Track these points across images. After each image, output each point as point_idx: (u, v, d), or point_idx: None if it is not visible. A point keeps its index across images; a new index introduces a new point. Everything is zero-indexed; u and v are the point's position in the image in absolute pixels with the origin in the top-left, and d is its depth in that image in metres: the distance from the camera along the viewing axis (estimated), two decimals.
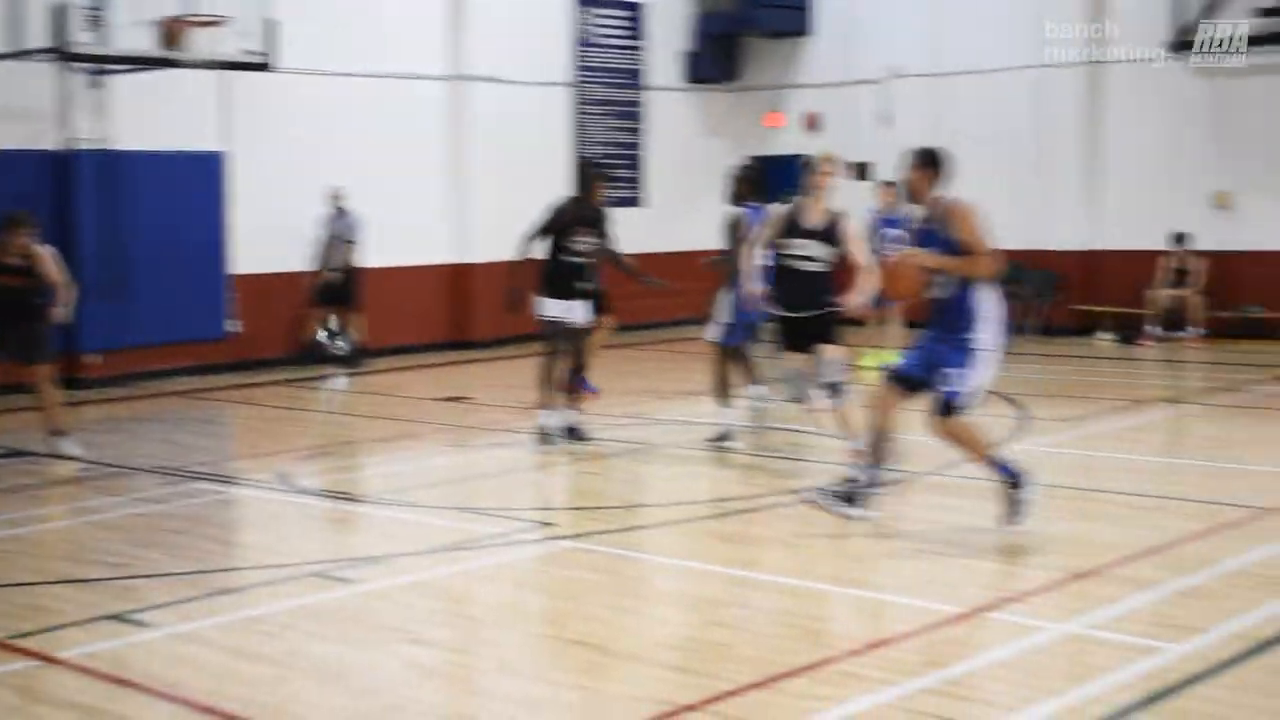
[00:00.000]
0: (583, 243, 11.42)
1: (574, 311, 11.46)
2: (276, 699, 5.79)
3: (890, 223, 16.18)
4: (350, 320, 17.60)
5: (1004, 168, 19.59)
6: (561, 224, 11.36)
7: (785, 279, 9.85)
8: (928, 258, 8.15)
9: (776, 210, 10.24)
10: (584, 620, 6.89)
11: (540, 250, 11.44)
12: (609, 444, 11.56)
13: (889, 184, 16.43)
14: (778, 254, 9.87)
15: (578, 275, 11.44)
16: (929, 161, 8.47)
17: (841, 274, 9.90)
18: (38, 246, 11.62)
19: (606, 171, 11.83)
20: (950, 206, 8.34)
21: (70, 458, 11.29)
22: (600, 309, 12.29)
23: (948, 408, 8.19)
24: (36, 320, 11.53)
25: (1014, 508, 8.28)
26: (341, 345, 18.08)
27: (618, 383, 14.66)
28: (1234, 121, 18.70)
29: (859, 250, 9.86)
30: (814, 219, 9.85)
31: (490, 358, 18.17)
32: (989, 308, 8.22)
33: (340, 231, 17.50)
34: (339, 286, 17.52)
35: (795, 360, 9.92)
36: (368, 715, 5.60)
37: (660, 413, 13.18)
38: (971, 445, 8.37)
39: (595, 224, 11.54)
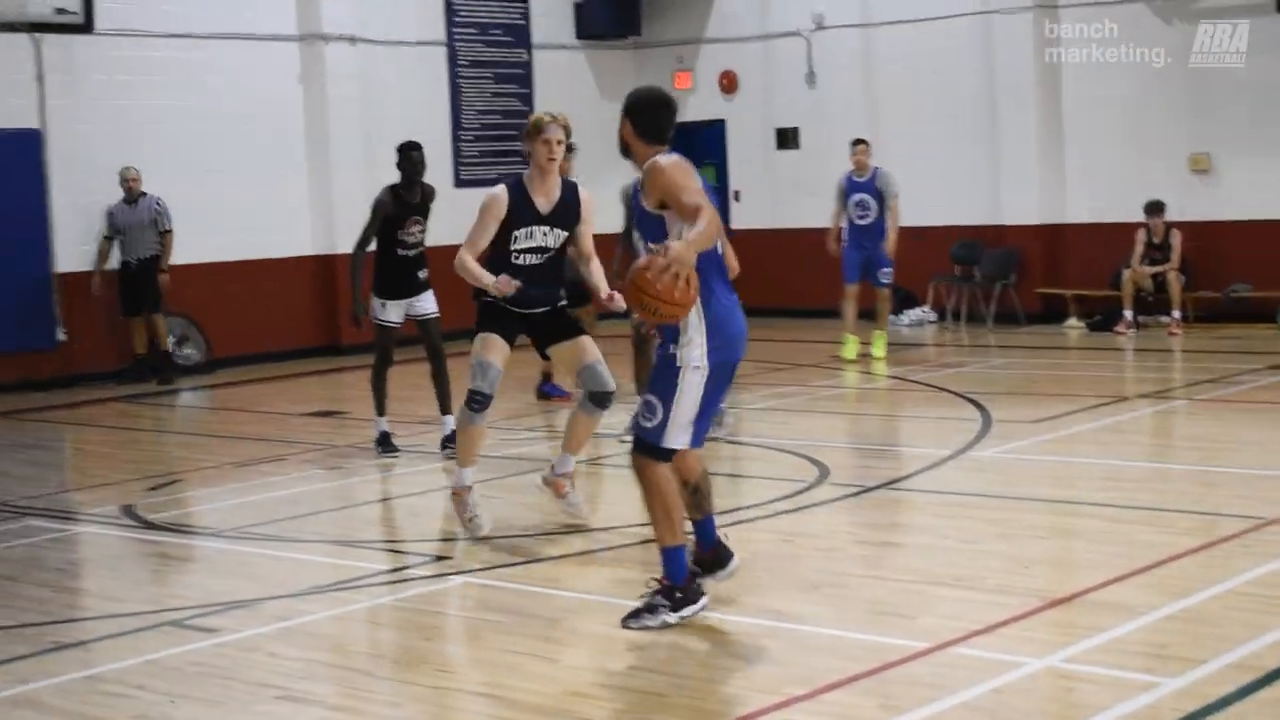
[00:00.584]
0: (414, 234, 11.96)
1: (424, 303, 12.03)
2: None
3: (860, 186, 16.54)
4: (157, 326, 17.49)
5: (948, 132, 19.84)
6: (388, 219, 11.84)
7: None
8: (670, 252, 6.50)
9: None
10: (487, 668, 6.90)
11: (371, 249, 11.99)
12: (507, 461, 11.58)
13: (860, 142, 16.87)
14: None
15: (415, 269, 11.99)
16: (632, 109, 7.22)
17: None
18: None
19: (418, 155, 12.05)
20: (648, 168, 7.05)
21: None
22: (577, 300, 12.06)
23: (642, 447, 7.15)
24: None
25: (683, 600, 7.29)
26: (189, 354, 18.13)
27: (518, 389, 14.66)
28: (1209, 71, 18.70)
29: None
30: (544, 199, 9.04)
31: (364, 364, 17.68)
32: (714, 309, 7.02)
33: (140, 220, 17.35)
34: (145, 284, 17.39)
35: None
36: None
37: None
38: (659, 506, 7.14)
39: (424, 211, 12.05)
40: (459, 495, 9.13)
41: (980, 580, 7.88)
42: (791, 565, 8.39)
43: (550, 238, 9.07)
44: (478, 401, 8.93)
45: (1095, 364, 16.48)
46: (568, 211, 9.09)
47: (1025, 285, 19.85)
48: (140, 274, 17.32)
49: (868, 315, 17.17)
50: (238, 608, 7.95)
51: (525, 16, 21.63)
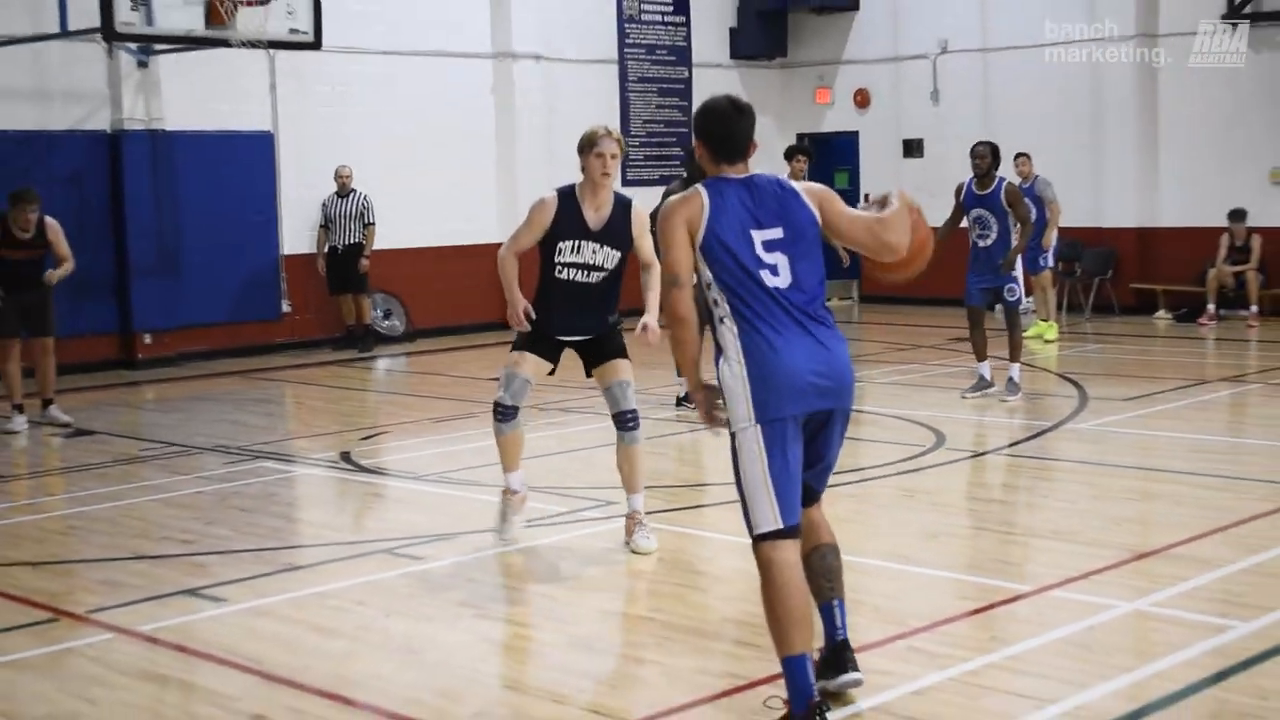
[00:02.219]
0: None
1: None
2: (351, 672, 5.98)
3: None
4: (361, 304, 17.69)
5: (1057, 145, 19.65)
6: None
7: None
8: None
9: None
10: (653, 596, 7.07)
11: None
12: (671, 423, 11.75)
13: (1024, 155, 16.98)
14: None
15: None
16: (704, 130, 5.41)
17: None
18: (46, 219, 12.23)
19: None
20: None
21: (62, 424, 12.18)
22: None
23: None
24: (47, 293, 12.26)
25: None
26: (394, 325, 18.44)
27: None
28: None
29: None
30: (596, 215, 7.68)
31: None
32: (753, 354, 5.14)
33: (348, 212, 17.59)
34: (351, 267, 17.60)
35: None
36: (442, 690, 5.80)
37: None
38: (765, 604, 5.09)
39: None
40: (505, 495, 8.06)
41: (1076, 534, 7.91)
42: (911, 517, 8.48)
43: (600, 256, 7.62)
44: (501, 412, 7.77)
45: (1181, 351, 16.29)
46: (618, 230, 7.63)
47: (1120, 280, 19.67)
48: (346, 258, 17.59)
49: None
50: (440, 540, 8.19)
51: (687, 39, 21.68)
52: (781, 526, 5.06)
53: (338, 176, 17.60)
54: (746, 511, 5.14)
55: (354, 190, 17.63)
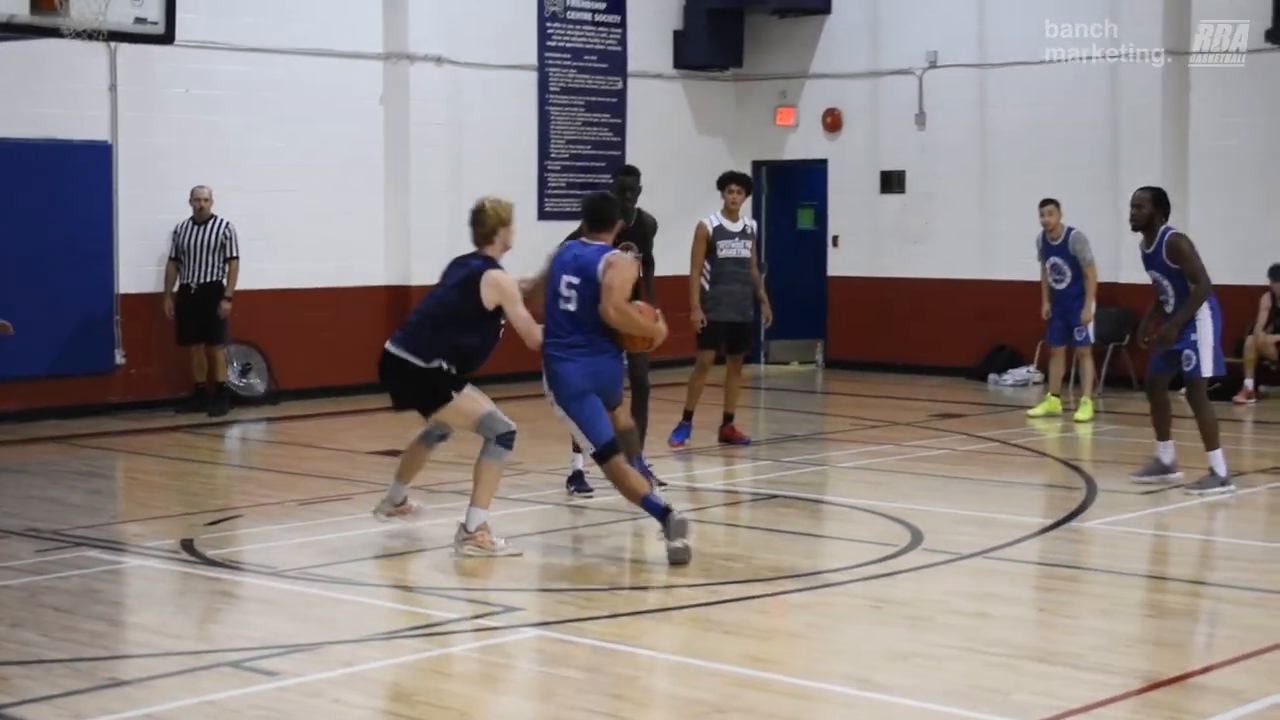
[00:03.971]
0: None
1: None
2: None
3: (1055, 249, 16.85)
4: (215, 357, 17.65)
5: (1065, 181, 19.69)
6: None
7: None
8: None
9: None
10: None
11: None
12: (586, 510, 11.79)
13: (1048, 203, 17.16)
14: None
15: None
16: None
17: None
18: None
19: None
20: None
21: None
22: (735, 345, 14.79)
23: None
24: None
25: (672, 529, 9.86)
26: (253, 385, 18.44)
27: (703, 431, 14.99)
28: None
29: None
30: None
31: None
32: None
33: (206, 243, 17.52)
34: (207, 312, 17.52)
35: None
36: None
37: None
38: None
39: (638, 239, 12.96)
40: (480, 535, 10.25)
41: (1078, 657, 7.91)
42: (878, 632, 8.47)
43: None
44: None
45: None
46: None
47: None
48: (200, 300, 17.48)
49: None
50: (300, 651, 8.11)
51: (622, 43, 21.80)
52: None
53: (194, 199, 17.53)
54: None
55: (214, 217, 17.58)
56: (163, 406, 17.64)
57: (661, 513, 9.91)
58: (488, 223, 10.30)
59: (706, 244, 14.72)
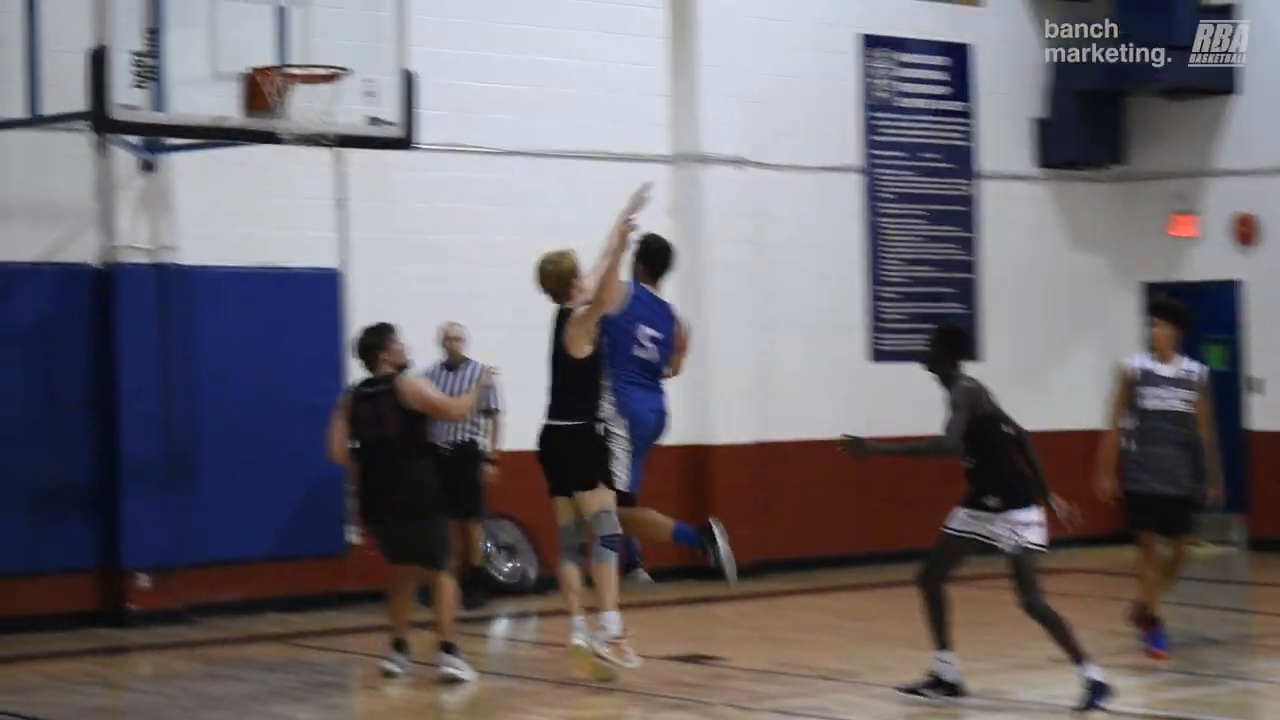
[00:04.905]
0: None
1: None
2: None
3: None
4: (472, 536, 17.22)
5: None
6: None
7: None
8: None
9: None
10: None
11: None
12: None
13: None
14: None
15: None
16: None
17: None
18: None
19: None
20: None
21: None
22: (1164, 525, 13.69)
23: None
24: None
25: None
26: (516, 569, 18.08)
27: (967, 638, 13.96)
28: None
29: None
30: None
31: (743, 594, 17.29)
32: None
33: (460, 393, 16.69)
34: (459, 479, 16.93)
35: None
36: None
37: (1022, 690, 12.58)
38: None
39: None
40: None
41: None
42: None
43: None
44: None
45: None
46: None
47: None
48: (455, 463, 16.84)
49: None
50: None
51: (969, 136, 21.22)
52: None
53: (445, 340, 17.05)
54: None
55: (467, 360, 17.13)
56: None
57: (697, 536, 13.01)
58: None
59: (1128, 391, 13.84)
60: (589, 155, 18.52)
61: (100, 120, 14.02)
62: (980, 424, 11.92)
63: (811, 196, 20.03)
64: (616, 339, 12.85)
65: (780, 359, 19.18)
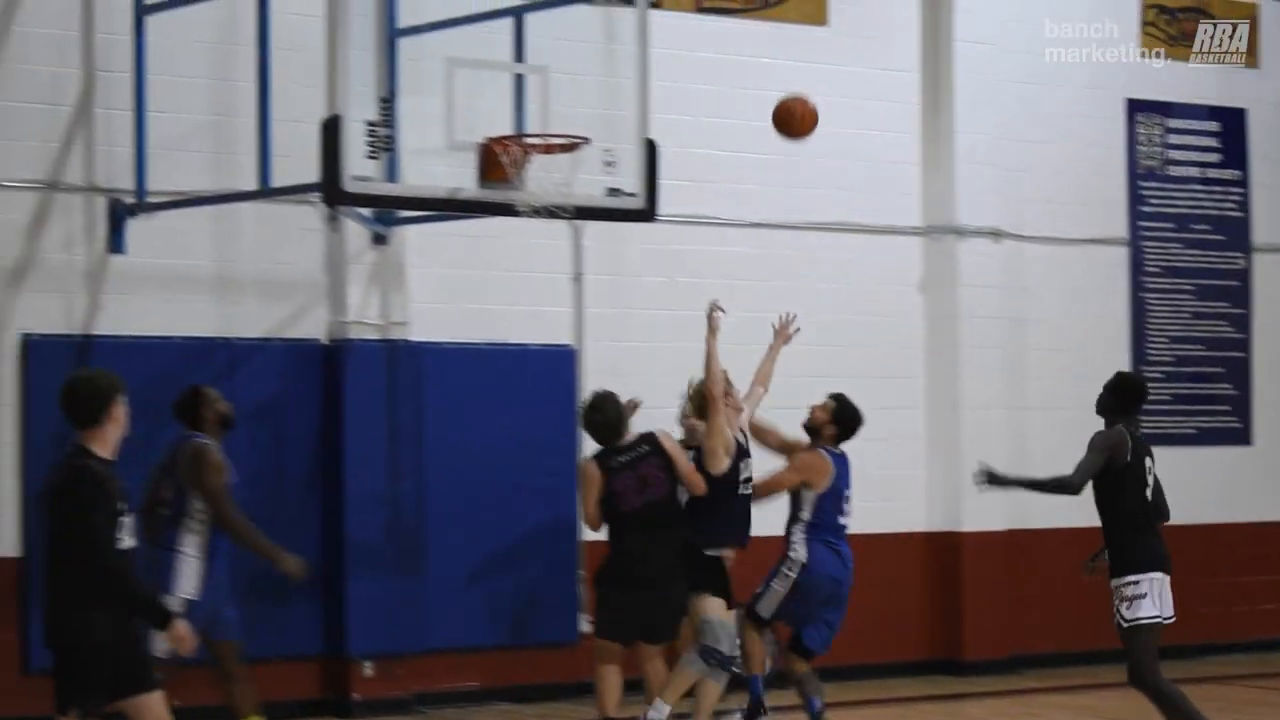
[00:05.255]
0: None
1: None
2: None
3: None
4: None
5: None
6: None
7: None
8: None
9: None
10: None
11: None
12: None
13: None
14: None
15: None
16: None
17: None
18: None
19: None
20: None
21: None
22: None
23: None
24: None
25: None
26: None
27: None
28: None
29: None
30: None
31: (994, 690, 17.10)
32: None
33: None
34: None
35: None
36: None
37: None
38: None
39: None
40: None
41: None
42: None
43: None
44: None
45: None
46: None
47: None
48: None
49: None
50: None
51: (1244, 207, 20.54)
52: None
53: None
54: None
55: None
56: (633, 689, 16.47)
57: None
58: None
59: None
60: (835, 227, 18.24)
61: (332, 192, 13.65)
62: (1116, 476, 12.28)
63: (1072, 270, 19.58)
64: (829, 500, 14.10)
65: (1035, 442, 18.54)
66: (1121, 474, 12.27)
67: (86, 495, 8.99)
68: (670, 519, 13.21)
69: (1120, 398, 12.87)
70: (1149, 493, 12.58)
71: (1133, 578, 12.08)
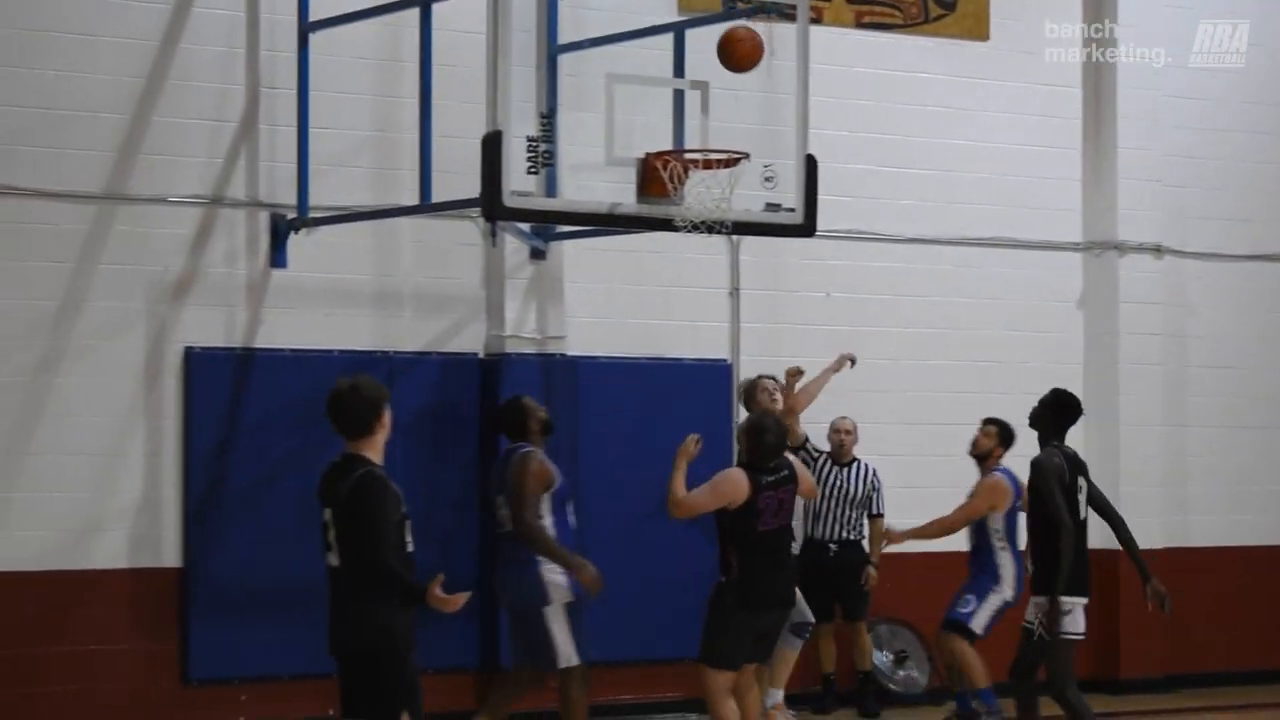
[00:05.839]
0: None
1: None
2: None
3: None
4: (860, 638, 16.89)
5: None
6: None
7: None
8: None
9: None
10: None
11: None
12: None
13: None
14: None
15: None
16: None
17: None
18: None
19: None
20: None
21: None
22: None
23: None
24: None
25: None
26: (911, 678, 17.60)
27: None
28: None
29: None
30: None
31: (1153, 710, 17.18)
32: None
33: (846, 490, 16.67)
34: (846, 579, 16.61)
35: None
36: None
37: None
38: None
39: None
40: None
41: None
42: None
43: None
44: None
45: None
46: None
47: None
48: (834, 564, 16.53)
49: None
50: None
51: None
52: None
53: (834, 432, 16.62)
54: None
55: (856, 460, 16.70)
56: (793, 703, 16.49)
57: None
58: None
59: None
60: (993, 243, 18.15)
61: (492, 207, 13.68)
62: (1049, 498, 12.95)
63: (1235, 287, 19.35)
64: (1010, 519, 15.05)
65: (1194, 460, 18.47)
66: (1062, 495, 13.10)
67: (376, 502, 9.29)
68: (790, 542, 13.40)
69: (1059, 416, 13.38)
70: (1081, 513, 13.31)
71: (1069, 601, 13.08)
